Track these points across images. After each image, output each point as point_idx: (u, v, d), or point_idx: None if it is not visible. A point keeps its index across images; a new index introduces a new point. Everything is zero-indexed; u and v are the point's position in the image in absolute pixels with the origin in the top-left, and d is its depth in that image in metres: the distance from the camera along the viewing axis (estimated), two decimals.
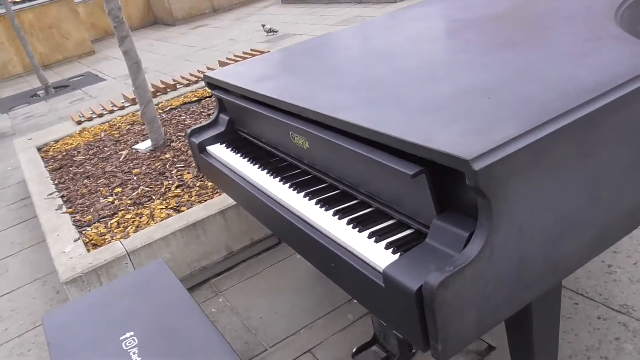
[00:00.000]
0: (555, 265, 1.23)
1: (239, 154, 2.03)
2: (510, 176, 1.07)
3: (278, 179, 1.75)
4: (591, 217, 1.26)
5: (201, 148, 2.21)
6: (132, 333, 1.71)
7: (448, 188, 1.20)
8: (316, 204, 1.54)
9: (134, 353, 1.62)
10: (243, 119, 2.13)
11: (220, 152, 2.12)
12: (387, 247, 1.27)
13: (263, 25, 8.82)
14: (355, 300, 2.33)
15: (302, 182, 1.69)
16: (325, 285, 2.46)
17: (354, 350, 2.03)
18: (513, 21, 1.91)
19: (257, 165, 1.89)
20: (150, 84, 4.96)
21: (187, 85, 5.13)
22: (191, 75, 5.43)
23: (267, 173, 1.82)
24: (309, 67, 1.96)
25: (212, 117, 2.31)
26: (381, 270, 1.19)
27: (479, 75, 1.44)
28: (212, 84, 2.20)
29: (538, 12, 1.93)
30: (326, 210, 1.50)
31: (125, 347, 1.65)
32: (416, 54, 1.77)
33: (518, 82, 1.34)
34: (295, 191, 1.64)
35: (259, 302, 2.46)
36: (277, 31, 8.76)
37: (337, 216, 1.45)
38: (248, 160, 1.95)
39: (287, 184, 1.70)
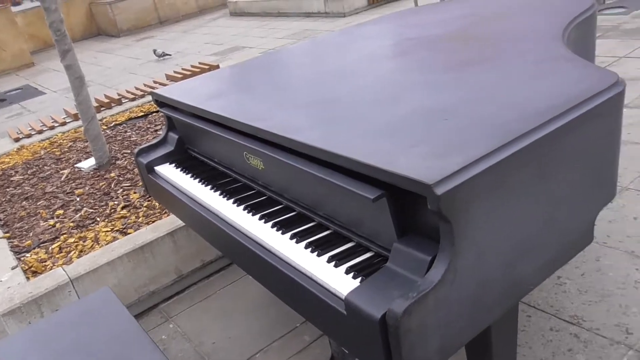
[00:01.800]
0: (514, 287, 1.23)
1: (189, 175, 1.96)
2: (471, 200, 1.06)
3: (232, 200, 1.70)
4: (547, 238, 1.27)
5: (149, 168, 2.12)
6: None
7: (408, 211, 1.18)
8: (272, 226, 1.49)
9: None
10: (194, 138, 2.06)
11: (170, 172, 2.04)
12: (347, 271, 1.24)
13: (154, 51, 8.46)
14: None
15: (257, 203, 1.64)
16: (280, 307, 2.40)
17: None
18: (465, 41, 1.94)
19: (209, 187, 1.83)
20: (94, 98, 4.79)
21: (133, 99, 4.98)
22: (137, 89, 5.27)
23: (220, 194, 1.75)
24: (262, 84, 1.92)
25: (161, 135, 2.22)
26: (343, 297, 1.16)
27: (436, 96, 1.44)
28: (161, 102, 2.12)
29: (489, 33, 1.96)
30: (283, 233, 1.45)
31: None
32: (371, 73, 1.76)
33: (474, 103, 1.34)
34: (250, 214, 1.59)
35: (212, 326, 2.38)
36: (170, 55, 8.46)
37: (295, 240, 1.41)
38: (200, 181, 1.88)
39: (242, 206, 1.64)
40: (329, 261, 1.29)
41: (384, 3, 9.36)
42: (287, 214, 1.55)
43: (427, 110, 1.36)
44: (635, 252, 2.29)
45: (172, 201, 1.99)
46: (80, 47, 11.97)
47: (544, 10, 2.10)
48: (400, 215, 1.18)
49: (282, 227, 1.48)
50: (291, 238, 1.42)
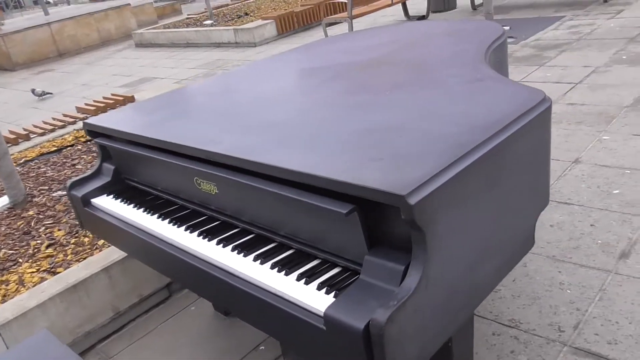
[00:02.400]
0: (475, 291, 1.31)
1: (131, 205, 1.90)
2: (438, 209, 1.13)
3: (183, 227, 1.67)
4: (500, 242, 1.37)
5: (85, 201, 2.03)
6: None
7: (377, 223, 1.22)
8: (232, 250, 1.49)
9: None
10: (133, 167, 2.00)
11: (109, 203, 1.96)
12: (319, 287, 1.26)
13: (33, 90, 7.98)
14: (261, 347, 2.26)
15: (212, 229, 1.62)
16: (226, 337, 2.35)
17: None
18: (394, 65, 2.05)
19: (155, 215, 1.78)
20: None
21: (43, 134, 4.71)
22: (45, 123, 5.00)
23: (170, 222, 1.72)
24: (201, 110, 1.91)
25: (94, 167, 2.13)
26: (321, 313, 1.17)
27: (379, 115, 1.51)
28: (94, 132, 2.05)
29: (416, 58, 2.09)
30: (245, 256, 1.45)
31: None
32: (309, 97, 1.82)
33: (420, 120, 1.43)
34: (206, 239, 1.57)
35: None
36: (51, 93, 8.08)
37: (259, 261, 1.41)
38: (144, 211, 1.83)
39: (195, 232, 1.62)
40: (298, 279, 1.30)
41: (292, 33, 9.58)
42: (246, 236, 1.55)
43: (377, 128, 1.42)
44: (555, 256, 2.49)
45: (114, 233, 1.91)
46: None
47: (462, 38, 2.28)
48: (369, 228, 1.23)
49: (243, 249, 1.47)
50: (254, 260, 1.42)
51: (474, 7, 8.33)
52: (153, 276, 2.61)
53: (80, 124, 4.85)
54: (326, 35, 7.93)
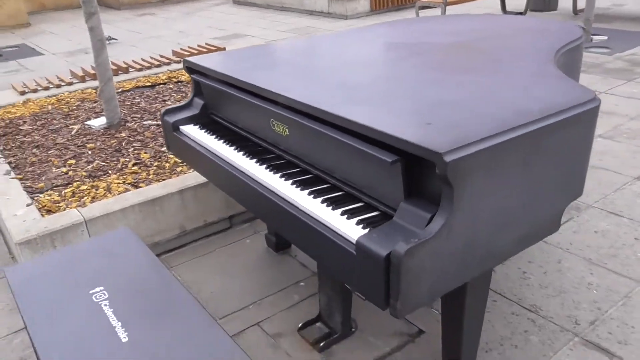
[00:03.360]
0: (492, 253, 1.50)
1: (213, 136, 2.19)
2: (470, 171, 1.32)
3: (254, 160, 1.93)
4: (524, 217, 1.54)
5: (175, 127, 2.35)
6: (101, 288, 1.81)
7: (415, 176, 1.43)
8: (292, 184, 1.74)
9: (105, 305, 1.73)
10: (219, 104, 2.28)
11: (195, 132, 2.26)
12: (357, 223, 1.49)
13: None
14: (301, 283, 2.53)
15: (278, 165, 1.88)
16: (273, 269, 2.64)
17: (300, 325, 2.23)
18: (472, 51, 2.21)
19: (233, 147, 2.06)
20: (91, 65, 4.92)
21: (140, 69, 5.15)
22: (144, 60, 5.44)
23: (244, 155, 1.99)
24: (288, 65, 2.15)
25: (187, 99, 2.44)
26: (354, 241, 1.41)
27: (444, 92, 1.70)
28: (191, 69, 2.35)
29: (493, 47, 2.24)
30: (301, 190, 1.70)
31: (95, 300, 1.75)
32: (387, 68, 2.02)
33: (478, 101, 1.61)
34: (272, 172, 1.83)
35: (210, 278, 2.60)
36: (116, 39, 8.53)
37: (312, 195, 1.66)
38: (224, 142, 2.11)
39: (264, 165, 1.88)
40: (342, 214, 1.54)
41: (385, 11, 9.67)
42: (305, 175, 1.79)
43: (435, 101, 1.62)
44: (592, 259, 2.60)
45: (195, 157, 2.22)
46: (78, 14, 12.00)
47: (540, 35, 2.39)
48: (408, 180, 1.44)
49: (301, 185, 1.72)
50: (309, 194, 1.67)
51: (575, 11, 8.11)
52: (219, 206, 2.93)
53: (174, 66, 5.25)
54: (417, 15, 7.98)
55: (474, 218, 1.39)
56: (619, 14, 8.16)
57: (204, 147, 2.16)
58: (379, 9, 9.59)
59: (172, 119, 2.36)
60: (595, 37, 6.66)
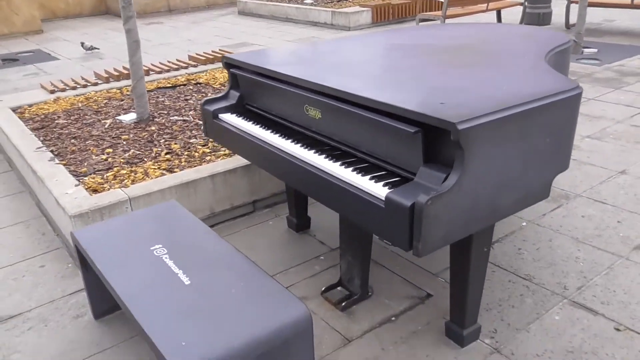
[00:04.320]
0: (494, 209, 1.83)
1: (251, 122, 2.52)
2: (478, 139, 1.65)
3: (290, 140, 2.26)
4: (520, 181, 1.87)
5: (214, 115, 2.67)
6: (160, 245, 2.12)
7: (432, 145, 1.76)
8: (325, 157, 2.07)
9: (165, 258, 2.04)
10: (255, 94, 2.61)
11: (233, 119, 2.59)
12: (384, 185, 1.81)
13: (82, 44, 8.78)
14: (321, 257, 2.84)
15: (311, 142, 2.21)
16: (295, 246, 2.96)
17: (323, 289, 2.54)
18: (473, 51, 2.56)
19: (270, 130, 2.39)
20: (122, 66, 5.25)
21: (159, 72, 5.48)
22: (161, 64, 5.78)
23: (280, 136, 2.32)
24: (315, 60, 2.49)
25: (224, 92, 2.77)
26: (383, 197, 1.73)
27: (451, 81, 2.04)
28: (229, 64, 2.68)
29: (490, 49, 2.59)
30: (334, 162, 2.03)
31: (156, 254, 2.06)
32: (400, 62, 2.36)
33: (481, 87, 1.95)
34: (307, 149, 2.16)
35: None
36: (98, 49, 8.85)
37: (344, 166, 1.98)
38: (261, 127, 2.44)
39: (299, 144, 2.21)
40: (370, 179, 1.87)
41: (386, 23, 10.07)
42: (336, 151, 2.12)
43: (444, 87, 1.96)
44: (579, 238, 2.93)
45: (235, 141, 2.54)
46: (89, 23, 12.36)
47: (532, 39, 2.74)
48: (426, 147, 1.77)
49: (333, 158, 2.05)
50: (340, 165, 1.99)
51: (568, 26, 8.53)
52: (244, 191, 3.25)
53: (191, 69, 5.59)
54: None
55: (479, 178, 1.71)
56: (610, 29, 8.59)
57: (243, 131, 2.49)
58: (380, 21, 10.00)
59: (211, 107, 2.69)
60: (586, 50, 7.05)
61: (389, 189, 1.79)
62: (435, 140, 1.74)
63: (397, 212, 1.67)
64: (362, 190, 1.84)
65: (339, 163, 2.01)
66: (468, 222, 1.75)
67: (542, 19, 8.94)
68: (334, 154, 2.10)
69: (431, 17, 8.07)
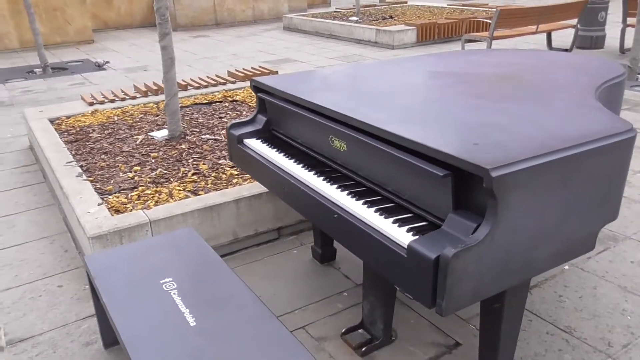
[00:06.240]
0: (529, 264, 1.64)
1: (275, 149, 2.40)
2: (513, 187, 1.48)
3: (313, 172, 2.13)
4: (560, 234, 1.68)
5: (239, 140, 2.57)
6: (170, 279, 2.02)
7: (463, 190, 1.60)
8: (348, 194, 1.92)
9: (174, 293, 1.93)
10: (281, 121, 2.50)
11: (257, 145, 2.48)
12: (408, 230, 1.66)
13: (95, 62, 8.97)
14: (345, 293, 2.69)
15: (334, 177, 2.07)
16: (318, 279, 2.81)
17: (343, 330, 2.38)
18: (514, 81, 2.37)
19: (292, 160, 2.26)
20: (153, 82, 5.26)
21: (198, 88, 5.47)
22: (200, 79, 5.77)
23: (303, 167, 2.19)
24: (347, 88, 2.36)
25: (251, 115, 2.67)
26: (405, 246, 1.57)
27: (490, 116, 1.87)
28: (258, 87, 2.58)
29: (537, 79, 2.40)
30: (357, 200, 1.88)
31: (165, 289, 1.96)
32: (438, 92, 2.20)
33: (522, 126, 1.77)
34: (329, 183, 2.02)
35: (259, 283, 2.79)
36: (109, 62, 8.98)
37: (366, 205, 1.83)
38: (285, 155, 2.32)
39: (321, 177, 2.08)
40: (394, 222, 1.71)
41: (431, 42, 9.88)
42: (359, 187, 1.98)
43: (482, 124, 1.79)
44: (627, 287, 2.67)
45: (258, 168, 2.43)
46: (138, 34, 12.65)
47: (582, 70, 2.53)
48: (456, 192, 1.60)
49: (356, 195, 1.90)
50: (363, 204, 1.85)
51: (622, 50, 8.14)
52: (269, 217, 3.14)
53: (229, 86, 5.56)
54: (463, 48, 8.16)
55: (514, 230, 1.54)
56: None
57: (266, 159, 2.37)
58: (425, 40, 9.82)
59: (237, 132, 2.59)
60: None
61: (413, 235, 1.63)
62: (468, 185, 1.58)
63: (420, 264, 1.51)
64: (382, 234, 1.69)
65: (361, 202, 1.86)
66: (500, 278, 1.57)
67: (596, 43, 8.57)
68: (358, 190, 1.95)
69: (477, 37, 7.84)
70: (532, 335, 2.36)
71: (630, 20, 7.52)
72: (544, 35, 8.75)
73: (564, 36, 9.53)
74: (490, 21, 7.70)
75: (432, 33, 9.87)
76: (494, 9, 10.83)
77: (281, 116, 2.49)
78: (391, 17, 11.71)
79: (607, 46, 8.73)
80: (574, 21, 8.40)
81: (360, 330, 2.38)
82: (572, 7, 7.94)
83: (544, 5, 7.84)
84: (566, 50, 8.42)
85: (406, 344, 2.34)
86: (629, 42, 7.55)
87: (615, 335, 2.35)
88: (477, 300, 1.57)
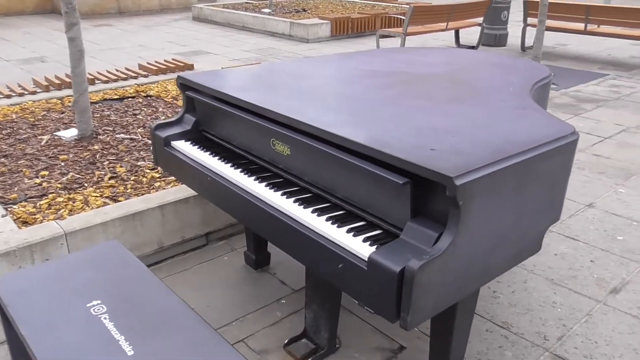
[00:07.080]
0: (488, 270, 1.62)
1: (207, 152, 2.23)
2: (475, 194, 1.44)
3: (253, 177, 1.99)
4: (514, 236, 1.67)
5: (166, 142, 2.37)
6: (99, 301, 1.81)
7: (421, 197, 1.54)
8: (294, 202, 1.81)
9: (104, 319, 1.72)
10: (213, 122, 2.33)
11: (187, 148, 2.30)
12: (364, 240, 1.57)
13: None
14: (282, 300, 2.58)
15: (277, 182, 1.95)
16: (253, 287, 2.68)
17: (286, 341, 2.27)
18: (451, 82, 2.36)
19: (229, 164, 2.11)
20: (65, 74, 4.82)
21: (106, 82, 5.09)
22: (109, 72, 5.38)
23: (241, 172, 2.04)
24: (282, 86, 2.23)
25: (178, 115, 2.47)
26: (365, 258, 1.49)
27: (438, 119, 1.83)
28: (184, 85, 2.39)
29: (470, 79, 2.41)
30: (305, 208, 1.77)
31: (94, 313, 1.75)
32: (382, 94, 2.13)
33: (472, 129, 1.74)
34: (273, 190, 1.89)
35: (190, 295, 2.61)
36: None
37: (316, 214, 1.73)
38: (219, 159, 2.16)
39: (263, 183, 1.94)
40: (347, 232, 1.62)
41: (344, 37, 9.92)
42: (305, 194, 1.87)
43: (433, 127, 1.74)
44: (554, 280, 2.78)
45: (188, 173, 2.24)
46: (32, 22, 11.68)
47: (513, 71, 2.58)
48: (415, 200, 1.54)
49: (303, 202, 1.79)
50: (312, 212, 1.74)
51: (524, 48, 8.60)
52: (196, 223, 2.95)
53: (141, 80, 5.22)
54: (378, 45, 8.26)
55: (474, 237, 1.50)
56: (563, 53, 8.73)
57: (198, 163, 2.20)
58: (339, 34, 9.84)
59: (163, 133, 2.38)
60: None
61: (370, 245, 1.55)
62: (427, 192, 1.52)
63: (382, 278, 1.43)
64: (337, 245, 1.59)
65: (310, 209, 1.75)
66: (461, 286, 1.53)
67: (499, 40, 9.01)
68: (304, 197, 1.84)
69: (392, 33, 7.96)
70: (473, 334, 2.38)
71: (531, 20, 7.96)
72: (452, 32, 9.06)
73: (470, 33, 9.93)
74: (403, 17, 7.85)
75: (346, 27, 9.92)
76: (405, 5, 11.09)
77: (213, 116, 2.32)
78: (304, 9, 11.64)
79: (509, 44, 9.20)
80: (480, 19, 8.77)
81: (303, 340, 2.28)
82: (478, 5, 8.28)
83: (452, 3, 8.11)
84: (473, 47, 8.78)
85: (351, 351, 2.27)
86: (529, 41, 7.99)
87: (549, 328, 2.43)
88: (439, 311, 1.52)
